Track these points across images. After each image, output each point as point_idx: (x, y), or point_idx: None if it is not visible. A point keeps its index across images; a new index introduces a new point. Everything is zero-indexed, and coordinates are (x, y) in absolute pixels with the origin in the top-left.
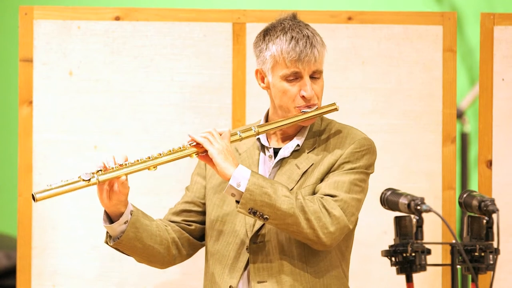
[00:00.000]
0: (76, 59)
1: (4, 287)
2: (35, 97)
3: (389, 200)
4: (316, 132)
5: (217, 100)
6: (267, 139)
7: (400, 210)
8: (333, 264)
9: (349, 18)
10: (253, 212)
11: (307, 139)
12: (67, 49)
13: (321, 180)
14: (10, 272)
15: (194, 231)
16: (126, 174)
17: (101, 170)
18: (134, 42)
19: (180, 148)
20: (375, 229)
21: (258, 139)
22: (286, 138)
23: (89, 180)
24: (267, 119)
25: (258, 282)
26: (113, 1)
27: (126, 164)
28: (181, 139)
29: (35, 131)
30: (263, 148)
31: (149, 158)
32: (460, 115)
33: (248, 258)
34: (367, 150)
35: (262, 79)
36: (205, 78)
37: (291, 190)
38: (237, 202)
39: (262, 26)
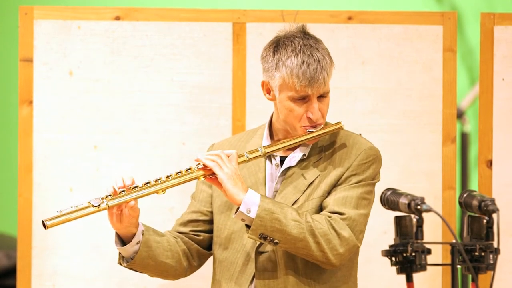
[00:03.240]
0: (76, 59)
1: (4, 287)
2: (35, 97)
3: (389, 200)
4: (322, 142)
5: (217, 100)
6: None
7: (400, 210)
8: (340, 279)
9: (349, 18)
10: (263, 237)
11: (313, 149)
12: (67, 49)
13: (328, 193)
14: (10, 272)
15: (203, 241)
16: (135, 199)
17: (110, 195)
18: (134, 42)
19: (188, 171)
20: (375, 229)
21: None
22: (291, 147)
23: (99, 205)
24: (270, 124)
25: None
26: (113, 1)
27: (135, 188)
28: (181, 139)
29: (35, 131)
30: (269, 156)
31: (158, 181)
32: (460, 115)
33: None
34: (373, 160)
35: (268, 91)
36: (205, 78)
37: (296, 200)
38: (247, 226)
39: (262, 26)
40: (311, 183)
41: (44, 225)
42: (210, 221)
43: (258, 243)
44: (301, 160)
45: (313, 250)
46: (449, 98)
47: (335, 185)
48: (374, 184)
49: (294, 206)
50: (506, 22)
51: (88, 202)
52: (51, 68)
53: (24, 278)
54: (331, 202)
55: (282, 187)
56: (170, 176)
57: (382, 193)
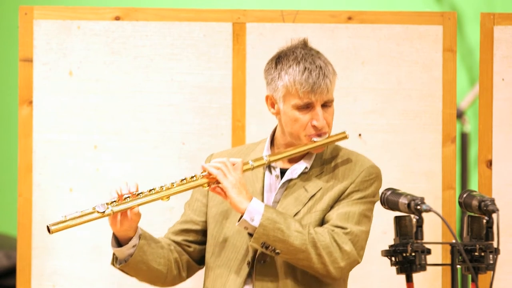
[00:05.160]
0: (76, 59)
1: (4, 287)
2: (35, 97)
3: (389, 200)
4: (324, 157)
5: (217, 100)
6: None
7: (400, 210)
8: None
9: (349, 18)
10: (265, 247)
11: (315, 162)
12: (67, 49)
13: (331, 207)
14: (10, 272)
15: (193, 253)
16: (140, 205)
17: (115, 201)
18: (134, 42)
19: (193, 178)
20: (375, 229)
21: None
22: (293, 159)
23: (104, 212)
24: (272, 138)
25: None
26: (113, 1)
27: (139, 195)
28: (181, 139)
29: (35, 131)
30: (269, 167)
31: (162, 188)
32: (460, 115)
33: (248, 274)
34: (375, 178)
35: (273, 105)
36: (205, 78)
37: (298, 212)
38: (250, 235)
39: (262, 26)
40: (313, 195)
41: (48, 230)
42: (202, 232)
43: (256, 252)
44: (302, 173)
45: (314, 262)
46: (449, 98)
47: (337, 200)
48: (374, 203)
49: (296, 218)
50: (506, 22)
51: (93, 208)
52: (51, 68)
53: (24, 278)
54: (334, 217)
55: (283, 198)
56: (174, 183)
57: (382, 193)
